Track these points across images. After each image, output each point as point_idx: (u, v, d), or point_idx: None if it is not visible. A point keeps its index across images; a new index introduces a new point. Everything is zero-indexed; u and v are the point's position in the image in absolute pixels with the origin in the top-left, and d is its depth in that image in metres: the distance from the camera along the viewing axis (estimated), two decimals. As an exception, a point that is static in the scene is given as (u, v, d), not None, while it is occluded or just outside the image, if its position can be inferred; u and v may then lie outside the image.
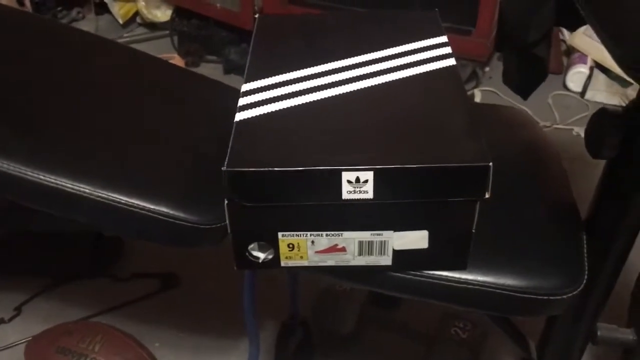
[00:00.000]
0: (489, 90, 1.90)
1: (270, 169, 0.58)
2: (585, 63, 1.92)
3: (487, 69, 1.96)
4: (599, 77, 1.90)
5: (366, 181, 0.59)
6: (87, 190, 0.70)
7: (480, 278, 0.67)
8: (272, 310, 1.21)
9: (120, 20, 2.15)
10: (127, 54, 1.03)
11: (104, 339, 1.03)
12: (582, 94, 1.91)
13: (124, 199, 0.71)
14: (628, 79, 1.86)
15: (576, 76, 1.92)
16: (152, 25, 2.15)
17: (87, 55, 0.97)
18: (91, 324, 1.16)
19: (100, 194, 0.71)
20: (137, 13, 2.17)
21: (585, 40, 1.93)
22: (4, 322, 1.21)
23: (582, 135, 1.75)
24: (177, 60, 1.97)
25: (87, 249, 1.30)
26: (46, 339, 1.05)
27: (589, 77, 1.89)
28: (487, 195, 0.59)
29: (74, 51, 0.97)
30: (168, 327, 1.23)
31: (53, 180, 0.70)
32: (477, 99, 1.88)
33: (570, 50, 2.01)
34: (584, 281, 0.69)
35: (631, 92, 1.85)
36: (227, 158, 0.59)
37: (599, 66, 1.92)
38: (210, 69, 1.98)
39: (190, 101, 0.94)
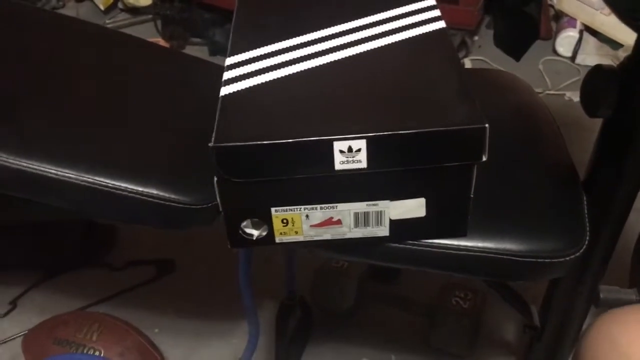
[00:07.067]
0: (479, 59, 1.88)
1: (259, 142, 0.56)
2: (574, 27, 1.90)
3: (476, 37, 1.94)
4: (589, 41, 1.88)
5: (359, 150, 0.57)
6: (71, 175, 0.68)
7: (480, 244, 0.66)
8: (270, 291, 1.20)
9: (102, 7, 2.11)
10: (109, 36, 1.00)
11: (101, 328, 1.02)
12: (573, 58, 1.89)
13: (110, 182, 0.69)
14: (618, 40, 1.85)
15: (566, 40, 1.90)
16: (135, 10, 2.11)
17: (69, 39, 0.94)
18: (87, 313, 1.14)
19: (85, 179, 0.68)
20: (118, -2, 2.13)
21: (574, 3, 1.90)
22: (0, 317, 1.19)
23: (574, 100, 1.74)
24: (161, 44, 1.94)
25: (80, 238, 1.28)
26: (43, 331, 1.03)
27: (579, 41, 1.87)
28: (484, 158, 0.57)
29: (55, 35, 0.94)
30: (167, 313, 1.22)
31: (36, 167, 0.68)
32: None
33: (559, 15, 1.98)
34: (586, 242, 0.67)
35: (622, 54, 1.83)
36: (213, 134, 0.57)
37: (588, 29, 1.90)
38: (196, 52, 1.95)
39: (176, 80, 0.91)
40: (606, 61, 1.85)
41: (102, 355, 0.99)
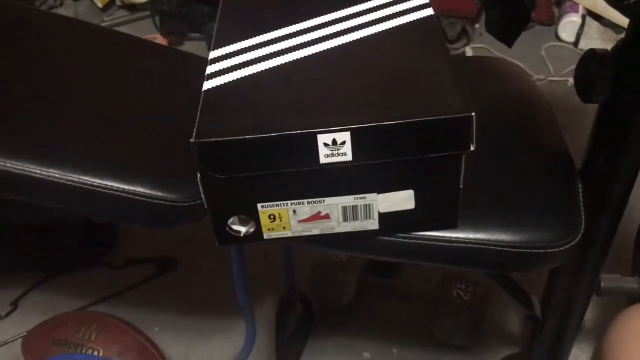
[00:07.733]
0: (481, 46, 1.86)
1: (241, 137, 0.55)
2: (576, 12, 1.87)
3: (477, 25, 1.92)
4: (592, 25, 1.85)
5: (343, 143, 0.56)
6: (57, 175, 0.67)
7: (472, 235, 0.64)
8: (271, 287, 1.19)
9: (100, 4, 2.10)
10: (102, 34, 0.99)
11: (100, 328, 1.01)
12: (576, 43, 1.86)
13: (96, 181, 0.68)
14: (621, 24, 1.81)
15: (568, 26, 1.87)
16: (132, 7, 2.10)
17: (60, 38, 0.93)
18: (86, 313, 1.14)
19: (71, 178, 0.68)
20: (115, -5, 2.12)
21: (576, -13, 1.88)
22: (0, 318, 1.19)
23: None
24: (160, 40, 1.92)
25: (79, 238, 1.27)
26: (42, 332, 1.03)
27: (582, 26, 1.84)
28: (472, 148, 0.56)
29: (45, 35, 0.93)
30: (167, 311, 1.22)
31: (20, 167, 0.68)
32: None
33: (561, 0, 1.96)
34: (581, 231, 0.66)
35: (626, 38, 1.80)
36: (195, 129, 0.56)
37: (591, 14, 1.87)
38: (195, 47, 1.94)
39: (168, 77, 0.90)
40: (609, 46, 1.82)
41: (100, 355, 0.98)
